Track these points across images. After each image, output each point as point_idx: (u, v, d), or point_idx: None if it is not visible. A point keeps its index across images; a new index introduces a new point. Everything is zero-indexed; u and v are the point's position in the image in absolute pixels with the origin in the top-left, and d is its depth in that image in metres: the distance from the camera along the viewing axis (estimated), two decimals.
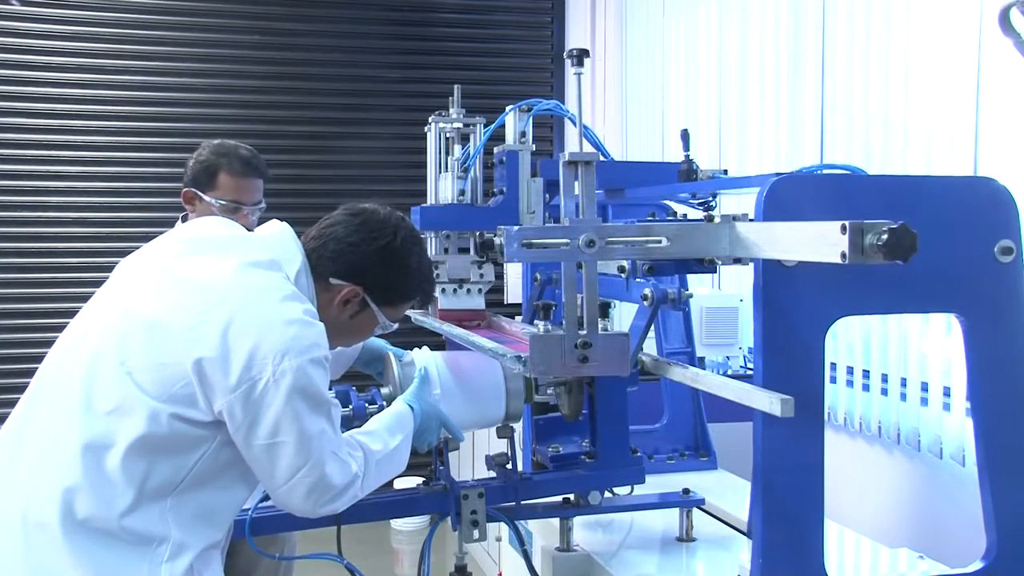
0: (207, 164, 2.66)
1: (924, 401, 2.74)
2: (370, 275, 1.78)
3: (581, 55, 1.62)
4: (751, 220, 1.55)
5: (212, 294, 1.61)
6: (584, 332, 1.52)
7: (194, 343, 1.56)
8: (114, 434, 1.55)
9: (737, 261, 1.59)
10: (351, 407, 1.95)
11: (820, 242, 1.28)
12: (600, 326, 1.53)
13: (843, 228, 1.22)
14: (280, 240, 1.78)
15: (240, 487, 1.69)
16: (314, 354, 1.61)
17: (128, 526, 1.54)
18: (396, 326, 1.88)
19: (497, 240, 1.49)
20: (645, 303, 1.74)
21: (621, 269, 1.71)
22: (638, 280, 1.73)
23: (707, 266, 1.65)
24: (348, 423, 1.90)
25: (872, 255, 1.19)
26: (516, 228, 1.46)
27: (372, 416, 1.89)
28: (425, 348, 2.07)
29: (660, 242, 1.49)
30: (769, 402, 1.45)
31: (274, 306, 1.62)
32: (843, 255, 1.22)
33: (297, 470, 1.61)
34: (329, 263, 1.76)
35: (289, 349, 1.57)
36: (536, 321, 1.62)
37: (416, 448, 1.87)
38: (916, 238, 1.17)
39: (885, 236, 1.17)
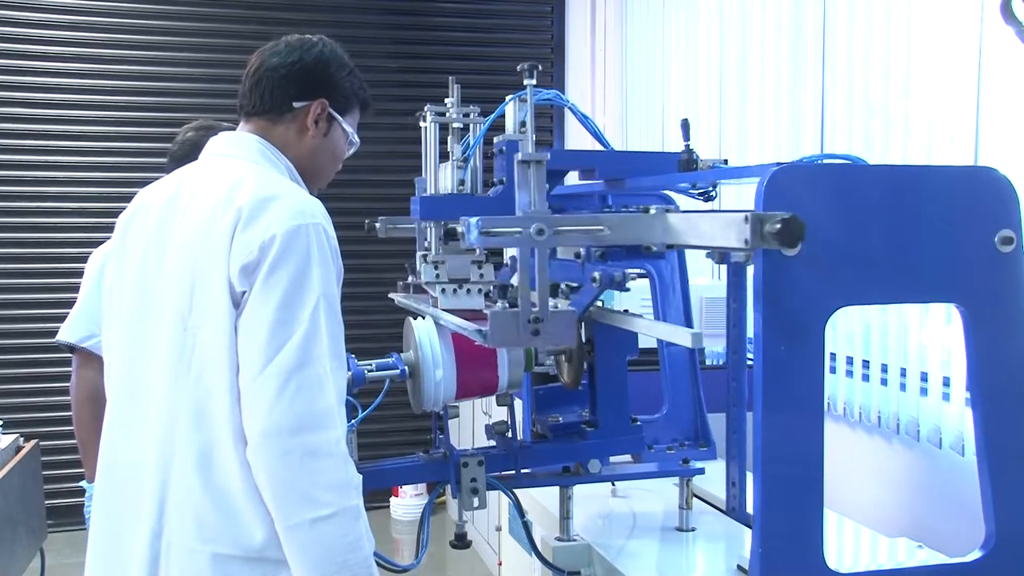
0: (194, 141, 2.62)
1: (924, 391, 2.74)
2: (324, 84, 1.80)
3: (532, 68, 1.84)
4: (682, 212, 1.72)
5: (212, 211, 1.61)
6: (536, 309, 1.66)
7: (223, 260, 1.56)
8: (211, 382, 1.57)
9: (670, 247, 1.79)
10: (350, 372, 1.95)
11: (728, 230, 1.47)
12: (552, 304, 1.68)
13: (746, 219, 1.42)
14: (229, 142, 1.80)
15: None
16: (304, 220, 1.58)
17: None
18: (359, 142, 1.92)
19: (459, 228, 1.62)
20: (594, 285, 1.89)
21: (577, 255, 1.95)
22: (591, 264, 1.92)
23: (652, 253, 1.83)
24: (347, 389, 1.88)
25: (769, 241, 1.40)
26: (476, 218, 1.57)
27: (371, 381, 1.92)
28: (429, 318, 2.07)
29: (602, 230, 1.65)
30: (686, 336, 1.65)
31: (258, 187, 1.62)
32: (746, 241, 1.43)
33: (270, 354, 1.51)
34: (286, 90, 1.78)
35: (272, 221, 1.56)
36: (498, 300, 1.72)
37: None
38: (804, 227, 1.38)
39: (778, 225, 1.38)
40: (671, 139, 4.64)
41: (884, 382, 2.92)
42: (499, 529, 3.59)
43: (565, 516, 2.15)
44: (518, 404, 2.21)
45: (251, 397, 1.53)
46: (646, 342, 2.17)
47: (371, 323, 5.00)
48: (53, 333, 2.74)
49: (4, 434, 3.11)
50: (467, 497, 2.00)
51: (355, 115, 1.90)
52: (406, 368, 2.00)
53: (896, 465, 2.88)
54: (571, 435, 2.16)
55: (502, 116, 2.13)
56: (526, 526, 2.11)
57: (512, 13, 6.05)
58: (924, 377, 2.74)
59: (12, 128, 5.28)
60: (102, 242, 2.68)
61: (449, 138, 2.23)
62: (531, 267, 1.65)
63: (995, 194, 1.63)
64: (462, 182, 2.14)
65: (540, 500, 2.36)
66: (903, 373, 2.82)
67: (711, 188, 2.11)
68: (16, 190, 5.30)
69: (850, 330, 3.07)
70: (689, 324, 2.71)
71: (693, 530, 2.20)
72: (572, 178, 2.25)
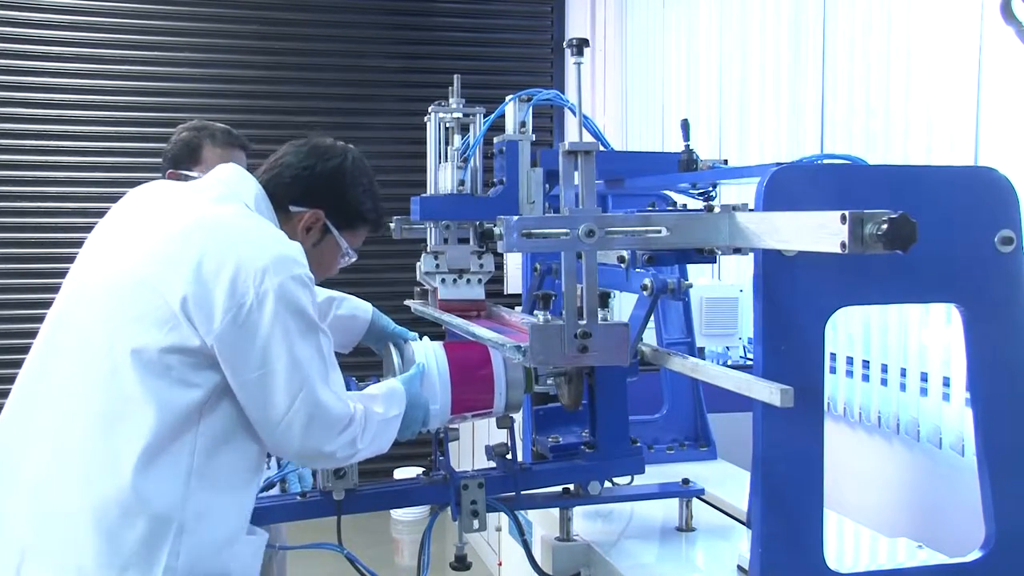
0: (187, 141, 2.61)
1: (924, 391, 2.74)
2: (328, 197, 1.80)
3: (581, 44, 1.64)
4: (751, 210, 1.54)
5: (180, 237, 1.61)
6: (584, 322, 1.52)
7: (174, 285, 1.55)
8: (125, 393, 1.55)
9: (737, 251, 1.60)
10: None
11: (820, 232, 1.28)
12: (600, 316, 1.54)
13: (843, 218, 1.22)
14: (232, 176, 1.79)
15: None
16: (295, 271, 1.60)
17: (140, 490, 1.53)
18: (356, 256, 1.90)
19: (496, 230, 1.48)
20: (645, 293, 1.75)
21: (621, 259, 1.71)
22: (638, 270, 1.74)
23: (707, 256, 1.67)
24: None
25: (872, 245, 1.19)
26: (515, 218, 1.46)
27: None
28: (425, 339, 2.07)
29: (660, 232, 1.49)
30: (769, 392, 1.46)
31: (242, 232, 1.63)
32: (843, 245, 1.22)
33: (292, 400, 1.59)
34: (286, 190, 1.78)
35: (268, 267, 1.57)
36: (536, 311, 1.62)
37: (397, 437, 1.85)
38: (916, 227, 1.17)
39: (885, 226, 1.18)
40: (671, 139, 4.64)
41: (884, 382, 2.91)
42: (499, 529, 3.58)
43: (565, 516, 2.14)
44: (518, 425, 2.19)
45: (279, 435, 1.63)
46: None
47: None
48: None
49: None
50: (467, 519, 1.99)
51: (359, 232, 1.89)
52: None
53: (896, 465, 2.87)
54: (571, 456, 2.15)
55: (502, 116, 2.13)
56: (526, 544, 2.11)
57: (512, 13, 6.05)
58: (924, 377, 2.74)
59: (12, 128, 5.28)
60: None
61: (449, 136, 2.24)
62: (578, 273, 1.50)
63: (995, 194, 1.63)
64: (462, 182, 2.14)
65: None
66: (903, 373, 2.82)
67: (711, 188, 2.10)
68: (16, 190, 5.30)
69: (850, 330, 3.07)
70: (689, 325, 2.72)
71: (693, 530, 2.20)
72: None
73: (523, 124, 2.08)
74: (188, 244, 1.59)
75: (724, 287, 3.53)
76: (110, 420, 1.56)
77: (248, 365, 1.57)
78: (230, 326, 1.55)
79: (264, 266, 1.57)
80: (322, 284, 2.16)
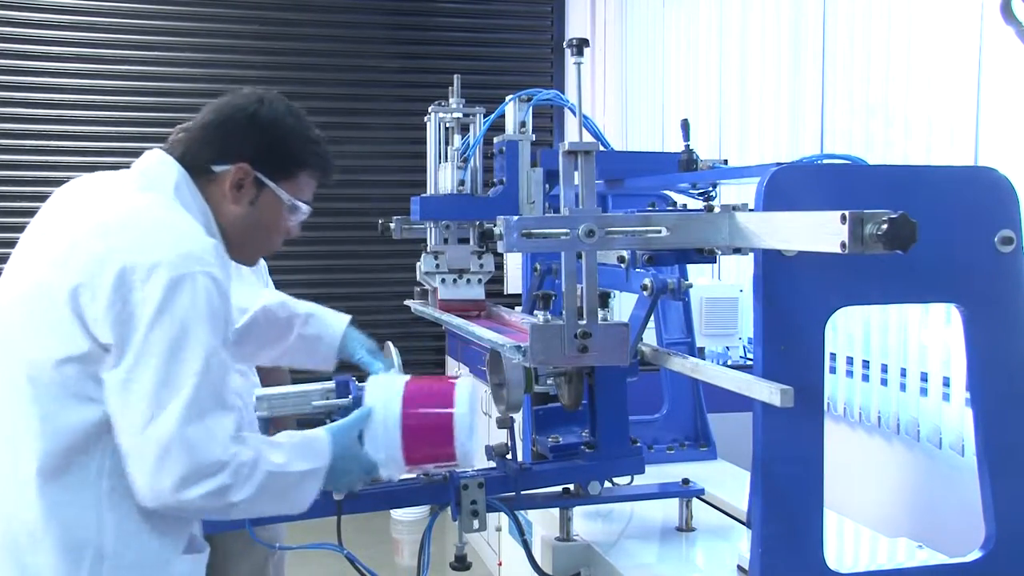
0: None
1: (924, 391, 2.74)
2: (249, 146, 1.62)
3: (581, 44, 1.64)
4: (751, 210, 1.54)
5: (81, 238, 1.49)
6: (584, 322, 1.53)
7: (64, 281, 1.43)
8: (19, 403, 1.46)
9: (737, 251, 1.61)
10: (351, 397, 1.92)
11: (820, 232, 1.29)
12: (600, 316, 1.54)
13: (843, 218, 1.22)
14: (152, 164, 1.66)
15: None
16: (193, 268, 1.43)
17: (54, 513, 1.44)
18: (308, 209, 1.70)
19: (496, 230, 1.48)
20: (645, 293, 1.76)
21: (621, 259, 1.73)
22: (638, 270, 1.75)
23: (707, 256, 1.68)
24: (347, 414, 1.83)
25: (872, 245, 1.19)
26: (515, 218, 1.47)
27: None
28: (390, 374, 1.92)
29: (660, 232, 1.50)
30: (769, 392, 1.46)
31: (145, 225, 1.51)
32: (843, 245, 1.22)
33: (149, 419, 1.38)
34: (205, 152, 1.63)
35: (160, 263, 1.42)
36: (536, 311, 1.62)
37: (333, 489, 1.68)
38: (916, 228, 1.18)
39: (885, 226, 1.18)
40: (671, 139, 4.64)
41: (884, 382, 2.91)
42: (499, 529, 3.58)
43: (565, 516, 2.14)
44: (518, 425, 2.19)
45: (133, 456, 1.43)
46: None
47: (375, 323, 5.01)
48: None
49: None
50: (467, 519, 1.98)
51: (301, 181, 1.69)
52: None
53: (896, 465, 2.87)
54: (571, 456, 2.14)
55: (502, 116, 2.13)
56: (526, 544, 2.11)
57: (512, 13, 6.05)
58: (924, 377, 2.74)
59: (12, 128, 5.28)
60: None
61: (449, 136, 2.24)
62: (578, 273, 1.50)
63: (995, 194, 1.63)
64: (462, 182, 2.14)
65: None
66: (903, 373, 2.82)
67: (711, 188, 2.11)
68: (16, 190, 5.30)
69: (850, 330, 3.07)
70: (689, 325, 2.72)
71: (693, 530, 2.20)
72: None
73: (523, 124, 2.08)
74: (87, 243, 1.48)
75: (724, 287, 3.54)
76: (13, 439, 1.46)
77: (118, 365, 1.40)
78: (114, 324, 1.40)
79: (156, 261, 1.42)
80: (319, 280, 2.13)
